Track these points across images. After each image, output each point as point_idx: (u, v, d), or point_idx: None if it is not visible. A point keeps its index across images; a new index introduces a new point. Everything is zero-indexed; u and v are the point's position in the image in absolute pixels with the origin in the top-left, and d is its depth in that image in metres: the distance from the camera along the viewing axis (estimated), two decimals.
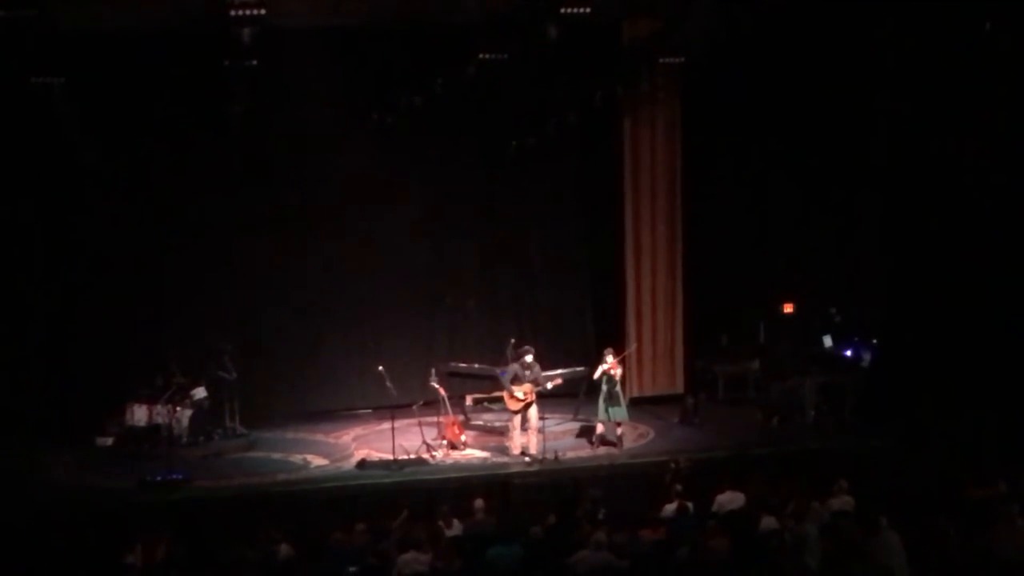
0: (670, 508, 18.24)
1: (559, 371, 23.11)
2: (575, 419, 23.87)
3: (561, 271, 26.82)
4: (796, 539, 16.03)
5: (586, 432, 23.19)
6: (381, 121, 24.15)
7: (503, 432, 22.73)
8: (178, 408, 22.45)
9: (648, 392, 26.07)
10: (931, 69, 24.30)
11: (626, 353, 23.65)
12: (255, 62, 20.77)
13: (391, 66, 23.89)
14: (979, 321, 23.98)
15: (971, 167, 24.64)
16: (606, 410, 22.33)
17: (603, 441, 22.62)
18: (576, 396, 23.98)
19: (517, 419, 21.97)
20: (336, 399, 25.58)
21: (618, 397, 22.34)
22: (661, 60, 24.31)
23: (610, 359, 22.32)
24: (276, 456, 22.55)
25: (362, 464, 21.65)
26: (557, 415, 23.86)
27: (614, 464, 21.71)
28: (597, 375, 22.47)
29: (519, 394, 21.76)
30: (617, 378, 22.31)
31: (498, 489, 20.23)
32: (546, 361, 22.80)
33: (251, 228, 24.59)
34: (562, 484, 20.60)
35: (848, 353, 25.49)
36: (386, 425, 22.02)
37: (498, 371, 23.10)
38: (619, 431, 22.57)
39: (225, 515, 19.15)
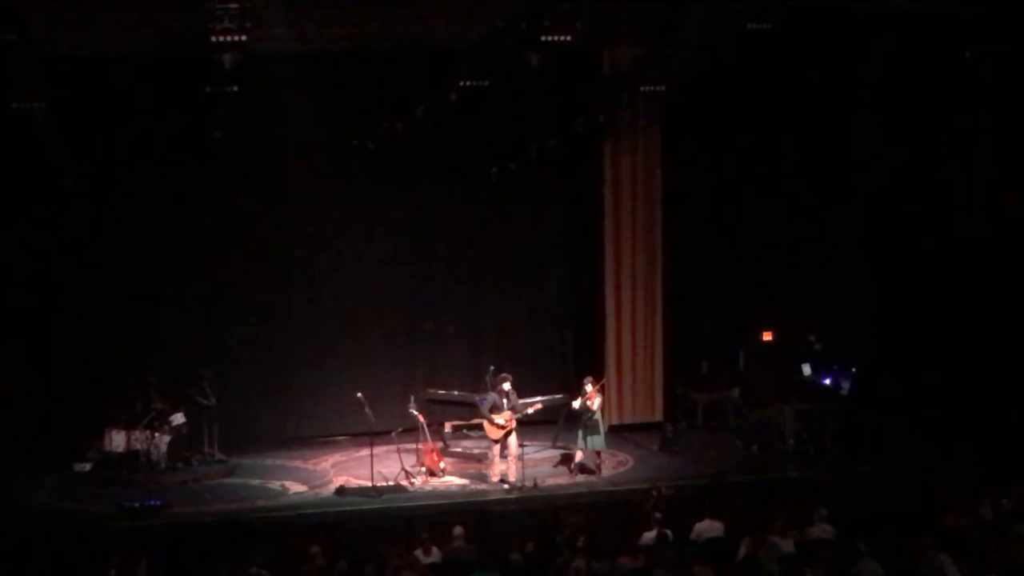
0: (649, 536, 18.22)
1: (538, 398, 23.07)
2: (554, 447, 23.84)
3: (541, 298, 26.79)
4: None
5: (565, 460, 23.15)
6: (362, 146, 24.14)
7: (482, 459, 22.69)
8: (156, 434, 22.38)
9: (627, 419, 26.04)
10: (912, 96, 24.44)
11: (603, 382, 23.63)
12: (236, 87, 20.79)
13: (373, 92, 23.91)
14: (958, 349, 24.06)
15: (952, 197, 24.76)
16: (584, 438, 22.34)
17: (582, 469, 22.59)
18: (555, 423, 23.94)
19: (496, 446, 21.96)
20: (315, 426, 25.49)
21: (597, 425, 22.37)
22: (642, 88, 24.33)
23: (589, 388, 22.34)
24: (255, 482, 22.46)
25: (341, 491, 21.59)
26: (536, 443, 23.86)
27: (593, 491, 21.71)
28: (577, 405, 22.47)
29: (499, 422, 21.74)
30: (596, 407, 22.34)
31: (477, 516, 20.18)
32: (526, 389, 22.78)
33: (231, 253, 24.60)
34: (541, 511, 20.58)
35: (827, 381, 25.50)
36: (365, 452, 22.02)
37: (477, 398, 23.04)
38: (598, 459, 22.58)
39: (203, 541, 19.05)
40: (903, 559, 15.94)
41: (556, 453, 23.64)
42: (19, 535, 19.36)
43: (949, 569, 15.53)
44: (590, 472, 22.53)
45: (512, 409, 21.78)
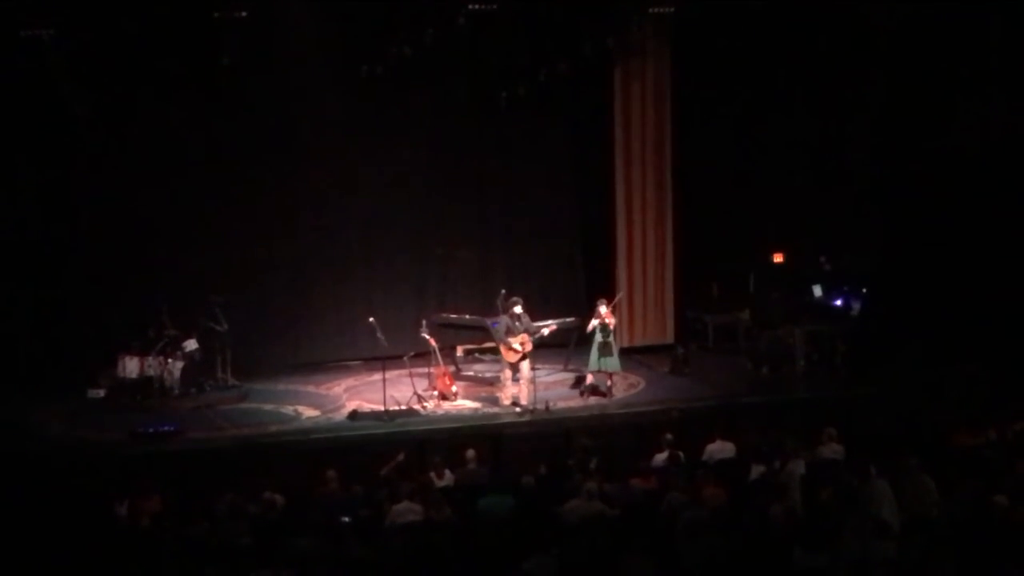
0: (661, 457, 18.30)
1: (551, 321, 23.07)
2: (566, 369, 23.90)
3: (552, 222, 26.74)
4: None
5: (577, 382, 23.21)
6: (371, 72, 24.02)
7: (494, 383, 22.75)
8: (169, 360, 22.49)
9: (638, 342, 26.13)
10: (925, 17, 24.25)
11: (617, 300, 23.70)
12: (244, 13, 20.71)
13: (381, 16, 23.78)
14: (969, 269, 24.01)
15: (964, 116, 24.64)
16: (598, 360, 22.36)
17: (593, 391, 22.66)
18: (567, 347, 24.00)
19: (508, 370, 22.00)
20: (327, 350, 25.57)
21: (611, 347, 22.37)
22: (651, 10, 24.22)
23: (603, 309, 22.33)
24: (267, 407, 22.52)
25: (353, 415, 21.66)
26: (548, 366, 23.92)
27: (605, 414, 21.78)
28: (592, 326, 22.46)
29: (516, 346, 21.71)
30: (612, 328, 22.34)
31: (489, 439, 20.28)
32: (537, 312, 22.80)
33: (241, 180, 24.54)
34: (553, 434, 20.66)
35: (838, 302, 25.55)
36: (377, 376, 22.09)
37: (489, 322, 23.08)
38: (609, 381, 22.63)
39: (216, 466, 19.16)
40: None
41: (568, 376, 23.71)
42: (33, 461, 19.48)
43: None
44: (601, 394, 22.58)
45: (526, 331, 21.77)
